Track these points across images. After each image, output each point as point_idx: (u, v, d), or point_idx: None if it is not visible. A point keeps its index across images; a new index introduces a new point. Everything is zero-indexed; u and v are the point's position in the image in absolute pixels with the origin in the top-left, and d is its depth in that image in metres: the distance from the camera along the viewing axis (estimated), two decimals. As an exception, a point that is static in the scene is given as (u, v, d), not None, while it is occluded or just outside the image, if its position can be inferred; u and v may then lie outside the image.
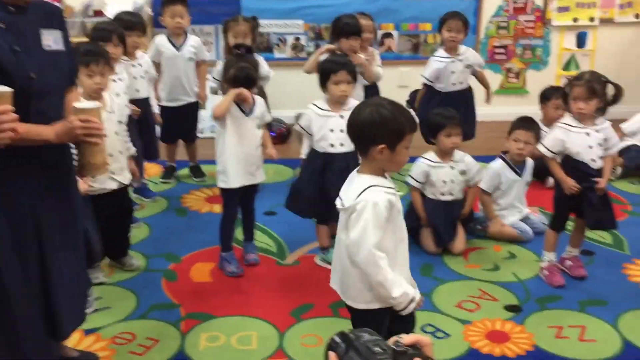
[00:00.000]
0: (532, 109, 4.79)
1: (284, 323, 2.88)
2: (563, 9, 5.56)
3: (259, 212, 3.58)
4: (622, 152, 4.55)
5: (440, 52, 4.31)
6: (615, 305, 3.01)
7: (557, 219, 3.23)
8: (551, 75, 5.59)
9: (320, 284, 3.19)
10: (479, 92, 4.52)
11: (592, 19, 5.58)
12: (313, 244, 3.51)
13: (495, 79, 5.74)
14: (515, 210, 3.74)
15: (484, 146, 4.90)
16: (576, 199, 3.07)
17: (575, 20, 5.58)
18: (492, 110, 5.16)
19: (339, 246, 2.16)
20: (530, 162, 3.76)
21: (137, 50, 3.95)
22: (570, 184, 3.04)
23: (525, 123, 3.66)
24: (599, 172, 3.07)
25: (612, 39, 5.65)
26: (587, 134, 3.04)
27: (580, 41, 5.66)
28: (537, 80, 5.50)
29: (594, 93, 2.97)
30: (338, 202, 2.13)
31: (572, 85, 3.05)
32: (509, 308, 3.01)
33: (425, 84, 4.37)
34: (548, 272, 3.23)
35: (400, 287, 2.06)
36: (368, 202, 2.01)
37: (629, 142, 4.59)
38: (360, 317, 2.18)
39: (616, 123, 4.64)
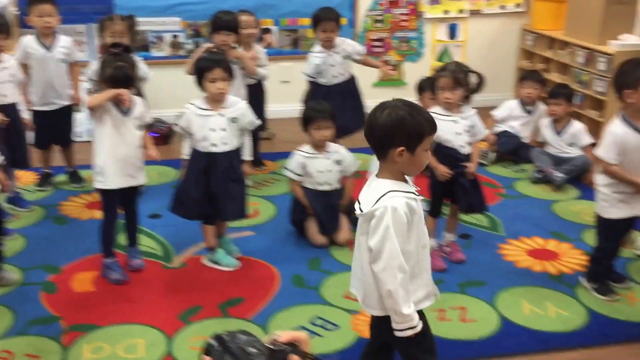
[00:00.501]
0: (410, 99, 4.95)
1: (171, 327, 2.83)
2: (434, 2, 5.78)
3: (142, 215, 3.49)
4: (496, 138, 4.80)
5: (317, 47, 4.36)
6: (492, 285, 3.18)
7: (434, 205, 3.36)
8: (426, 66, 5.79)
9: (209, 285, 3.17)
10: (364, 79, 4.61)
11: (461, 11, 5.84)
12: (200, 244, 3.46)
13: (374, 72, 5.88)
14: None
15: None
16: (449, 184, 3.22)
17: (446, 12, 5.82)
18: (372, 102, 5.30)
19: (359, 251, 2.08)
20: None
21: (2, 53, 3.72)
22: (443, 170, 3.17)
23: None
24: (467, 158, 3.23)
25: (481, 29, 5.94)
26: (455, 121, 3.19)
27: (452, 32, 5.92)
28: (414, 72, 5.69)
29: (458, 83, 3.12)
30: (356, 207, 2.04)
31: (438, 76, 3.19)
32: (395, 294, 3.10)
33: (309, 80, 4.42)
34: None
35: (410, 307, 1.97)
36: (387, 207, 1.93)
37: (500, 128, 4.84)
38: (382, 324, 2.08)
39: (488, 110, 4.94)
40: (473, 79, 3.22)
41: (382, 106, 2.00)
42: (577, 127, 4.51)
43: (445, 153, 3.20)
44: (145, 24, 5.26)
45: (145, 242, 3.52)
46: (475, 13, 5.87)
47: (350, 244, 3.56)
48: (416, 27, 5.84)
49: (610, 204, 2.94)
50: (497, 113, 4.88)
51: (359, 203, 2.03)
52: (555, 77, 5.47)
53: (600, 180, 2.98)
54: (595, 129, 4.67)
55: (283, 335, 1.20)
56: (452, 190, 3.26)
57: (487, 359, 2.68)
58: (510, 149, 4.73)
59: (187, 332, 2.80)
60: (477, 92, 3.24)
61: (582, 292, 3.12)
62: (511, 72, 6.05)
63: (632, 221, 3.00)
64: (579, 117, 4.99)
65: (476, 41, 5.96)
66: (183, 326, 2.84)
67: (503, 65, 6.04)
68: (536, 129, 4.75)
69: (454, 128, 3.19)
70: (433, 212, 3.36)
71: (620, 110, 2.90)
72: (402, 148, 1.93)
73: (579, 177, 4.36)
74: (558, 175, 4.26)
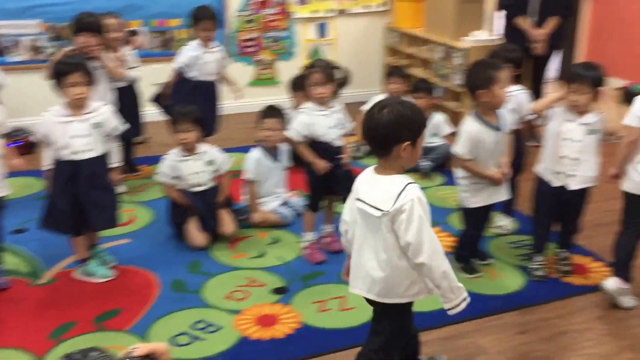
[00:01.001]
0: (283, 98, 5.03)
1: (42, 348, 2.69)
2: (303, 2, 5.88)
3: (6, 231, 3.29)
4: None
5: (194, 42, 4.36)
6: (368, 273, 3.29)
7: (313, 200, 3.44)
8: (299, 64, 5.86)
9: (82, 299, 3.05)
10: (240, 78, 4.63)
11: (329, 11, 5.99)
12: (70, 258, 3.33)
13: (248, 72, 5.91)
14: (275, 195, 3.91)
15: (242, 137, 5.04)
16: (326, 177, 3.31)
17: (314, 12, 5.94)
18: (248, 101, 5.32)
19: (369, 249, 2.13)
20: (284, 148, 3.94)
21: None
22: (322, 164, 3.26)
23: (271, 111, 3.85)
24: (340, 150, 3.33)
25: (348, 28, 6.12)
26: (327, 115, 3.29)
27: (322, 31, 6.05)
28: (287, 70, 5.76)
29: (329, 78, 3.22)
30: (366, 208, 2.08)
31: (310, 72, 3.27)
32: (277, 291, 3.15)
33: (176, 72, 4.39)
34: (309, 250, 3.43)
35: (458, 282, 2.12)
36: (414, 200, 2.00)
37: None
38: (398, 310, 2.20)
39: (359, 105, 5.09)
40: (340, 75, 3.34)
41: (380, 105, 2.07)
42: (438, 118, 4.77)
43: (321, 147, 3.30)
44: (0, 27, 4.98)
45: (9, 260, 3.32)
46: (342, 12, 6.04)
47: (232, 244, 3.57)
48: (286, 26, 5.92)
49: (470, 194, 3.15)
50: (367, 108, 5.02)
51: (369, 204, 2.07)
52: (418, 72, 5.74)
53: (459, 173, 3.18)
54: (456, 118, 4.95)
55: (140, 347, 1.19)
56: (330, 183, 3.35)
57: (367, 344, 2.78)
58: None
59: (59, 351, 2.67)
60: (344, 86, 3.36)
61: (451, 273, 3.30)
62: (378, 69, 6.28)
63: (492, 206, 3.23)
64: (441, 108, 5.27)
65: (345, 39, 6.13)
66: (54, 345, 2.72)
67: (371, 62, 6.26)
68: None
69: (327, 122, 3.29)
70: (313, 206, 3.45)
71: (473, 108, 3.11)
72: (407, 143, 2.03)
73: (443, 164, 4.61)
74: (424, 164, 4.48)
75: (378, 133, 2.05)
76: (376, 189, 2.08)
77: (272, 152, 3.86)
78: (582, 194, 3.16)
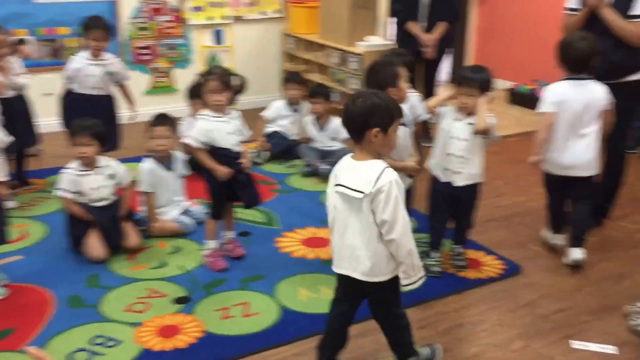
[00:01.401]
0: (182, 105, 4.98)
1: None
2: (198, 9, 5.84)
3: None
4: (268, 138, 5.00)
5: (82, 53, 4.24)
6: (271, 277, 3.32)
7: (215, 207, 3.42)
8: (196, 72, 5.81)
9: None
10: (135, 87, 4.53)
11: (225, 17, 5.98)
12: (-42, 278, 3.15)
13: (144, 80, 5.79)
14: (175, 204, 3.86)
15: (139, 147, 4.93)
16: (227, 184, 3.30)
17: (210, 18, 5.91)
18: (146, 110, 5.21)
19: (353, 230, 2.30)
20: (180, 156, 3.90)
21: None
22: (223, 170, 3.25)
23: (160, 119, 3.81)
24: (239, 155, 3.34)
25: (245, 35, 6.13)
26: (225, 122, 3.29)
27: (218, 38, 6.03)
28: (185, 78, 5.70)
29: (226, 85, 3.22)
30: (348, 192, 2.26)
31: (206, 79, 3.26)
32: (179, 300, 3.11)
33: (64, 84, 4.27)
34: (211, 258, 3.41)
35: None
36: (392, 182, 2.22)
37: (271, 128, 5.05)
38: (384, 288, 2.39)
39: (259, 111, 5.13)
40: (236, 81, 3.34)
41: (355, 96, 2.31)
42: (336, 122, 4.86)
43: (221, 153, 3.29)
44: None
45: None
46: (238, 19, 6.04)
47: (132, 255, 3.49)
48: (182, 34, 5.86)
49: None
50: (266, 114, 5.08)
51: (350, 187, 2.26)
52: (316, 77, 5.84)
53: None
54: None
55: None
56: (231, 190, 3.35)
57: (271, 348, 2.80)
58: (282, 147, 4.95)
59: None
60: (241, 93, 3.38)
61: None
62: (277, 75, 6.33)
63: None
64: (339, 112, 5.37)
65: (242, 46, 6.13)
66: (-59, 370, 2.58)
67: (269, 68, 6.30)
68: (302, 126, 5.03)
69: (226, 128, 3.29)
70: (214, 214, 3.43)
71: None
72: (377, 129, 2.22)
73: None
74: (324, 167, 4.56)
75: (352, 119, 2.27)
76: (356, 173, 2.28)
77: (164, 161, 3.81)
78: (470, 190, 3.32)
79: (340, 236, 2.37)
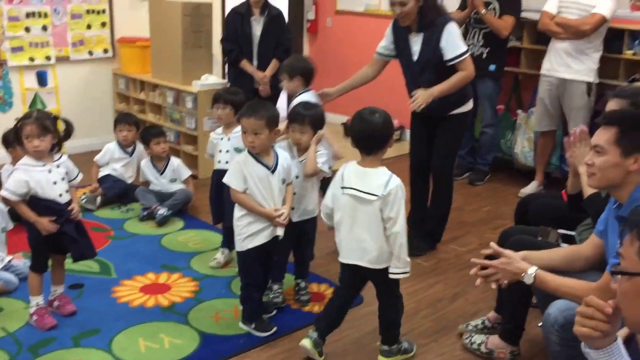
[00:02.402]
0: (1, 152, 4.61)
1: None
2: (17, 49, 5.47)
3: None
4: (101, 182, 4.75)
5: None
6: (107, 330, 3.10)
7: (38, 261, 3.15)
8: (18, 115, 5.42)
9: None
10: None
11: (48, 58, 5.64)
12: None
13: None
14: (-2, 260, 3.53)
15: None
16: (53, 235, 3.06)
17: (32, 59, 5.55)
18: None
19: (361, 226, 2.71)
20: (1, 207, 3.59)
21: None
22: (46, 223, 3.00)
23: None
24: (68, 205, 3.10)
25: (72, 75, 5.82)
26: (49, 170, 3.06)
27: (42, 80, 5.67)
28: (5, 123, 5.29)
29: (46, 129, 3.00)
30: (360, 194, 2.68)
31: (23, 124, 3.02)
32: (0, 366, 2.82)
33: None
34: (37, 316, 3.13)
35: None
36: (398, 186, 2.66)
37: (104, 172, 4.81)
38: (387, 273, 2.76)
39: (92, 155, 4.86)
40: (59, 125, 3.13)
41: (370, 112, 2.70)
42: (175, 162, 4.75)
43: (44, 205, 3.03)
44: None
45: None
46: (64, 59, 5.73)
47: None
48: (1, 75, 5.45)
49: (242, 236, 3.03)
50: (99, 157, 4.83)
51: (363, 191, 2.67)
52: (151, 117, 5.68)
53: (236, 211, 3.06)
54: (192, 162, 4.98)
55: None
56: (58, 242, 3.10)
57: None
58: (116, 191, 4.73)
59: None
60: (67, 139, 3.15)
61: (193, 317, 3.26)
62: (110, 116, 6.05)
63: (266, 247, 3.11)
64: (177, 152, 5.26)
65: (69, 87, 5.82)
66: None
67: (101, 110, 6.03)
68: (139, 169, 4.86)
69: (49, 177, 3.04)
70: (38, 267, 3.14)
71: None
72: (392, 139, 2.72)
73: (182, 209, 4.59)
74: (162, 212, 4.40)
75: (376, 133, 2.67)
76: (366, 178, 2.69)
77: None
78: (308, 224, 3.35)
79: (348, 231, 2.75)
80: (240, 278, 3.16)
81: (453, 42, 3.67)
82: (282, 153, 3.09)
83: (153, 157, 4.71)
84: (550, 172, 5.37)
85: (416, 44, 3.77)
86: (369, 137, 2.68)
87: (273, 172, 2.98)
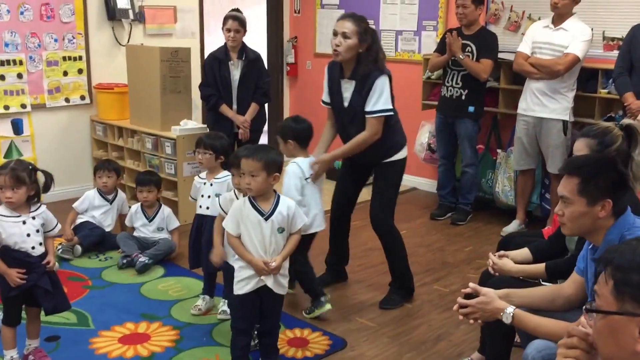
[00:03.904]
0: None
1: None
2: (-9, 98, 5.43)
3: None
4: (77, 230, 4.66)
5: None
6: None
7: (9, 314, 3.06)
8: (-6, 164, 5.38)
9: None
10: None
11: (23, 106, 5.58)
12: None
13: None
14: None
15: None
16: (26, 289, 2.98)
17: (6, 108, 5.50)
18: None
19: None
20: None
21: None
22: (14, 276, 2.93)
23: None
24: (42, 257, 3.03)
25: (49, 123, 5.76)
26: (24, 222, 2.99)
27: (17, 128, 5.60)
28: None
29: (20, 181, 2.93)
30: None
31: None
32: None
33: None
34: (11, 371, 3.03)
35: None
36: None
37: (82, 219, 4.73)
38: None
39: (71, 202, 4.79)
40: (35, 176, 3.06)
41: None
42: (166, 211, 4.67)
43: (15, 256, 2.96)
44: None
45: None
46: (40, 107, 5.68)
47: None
48: (-24, 124, 5.39)
49: (236, 280, 2.99)
50: (77, 204, 4.76)
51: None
52: (129, 163, 5.63)
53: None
54: (173, 207, 4.91)
55: None
56: (30, 295, 3.02)
57: None
58: (93, 240, 4.64)
59: None
60: (47, 190, 3.10)
61: (174, 368, 3.17)
62: (88, 163, 6.00)
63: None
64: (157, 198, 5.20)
65: (46, 135, 5.76)
66: None
67: (79, 157, 5.97)
68: (120, 216, 4.79)
69: (23, 229, 2.98)
70: (10, 320, 3.05)
71: None
72: None
73: (163, 258, 4.51)
74: (142, 260, 4.31)
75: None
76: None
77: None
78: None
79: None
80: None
81: (376, 97, 3.59)
82: (287, 202, 2.99)
83: (143, 203, 4.66)
84: (531, 211, 5.39)
85: (347, 90, 3.70)
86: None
87: (267, 219, 2.92)
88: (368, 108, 3.62)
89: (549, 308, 2.42)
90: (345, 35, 3.58)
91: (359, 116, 3.67)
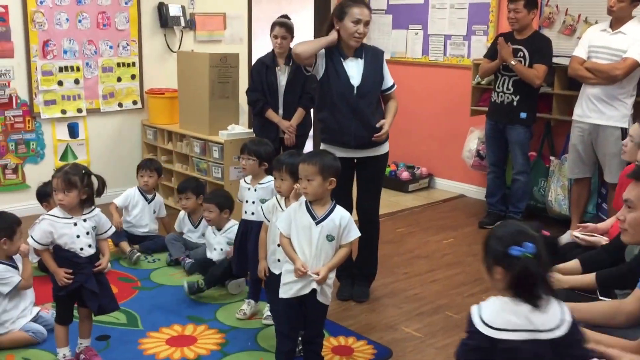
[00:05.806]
0: (34, 204, 4.66)
1: None
2: (50, 102, 5.58)
3: None
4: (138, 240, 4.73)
5: None
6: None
7: (61, 312, 3.13)
8: (49, 167, 5.51)
9: None
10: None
11: (80, 110, 5.74)
12: None
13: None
14: (27, 311, 3.50)
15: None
16: (74, 289, 3.04)
17: (64, 112, 5.66)
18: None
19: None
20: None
21: None
22: (61, 275, 3.00)
23: None
24: (92, 259, 3.08)
25: (103, 127, 5.91)
26: (75, 224, 3.05)
27: (73, 131, 5.76)
28: (37, 174, 5.39)
29: (71, 185, 2.99)
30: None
31: (53, 177, 3.05)
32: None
33: None
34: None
35: None
36: None
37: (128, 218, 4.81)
38: None
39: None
40: (89, 180, 3.11)
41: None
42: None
43: (64, 256, 3.03)
44: None
45: None
46: (94, 111, 5.83)
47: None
48: (33, 128, 5.55)
49: (282, 283, 2.98)
50: (117, 200, 4.82)
51: None
52: (178, 167, 5.71)
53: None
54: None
55: None
56: (78, 295, 3.08)
57: None
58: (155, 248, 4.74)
59: None
60: (101, 194, 3.15)
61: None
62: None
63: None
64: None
65: (99, 138, 5.90)
66: None
67: (130, 160, 6.07)
68: (158, 219, 4.91)
69: (73, 231, 3.04)
70: (62, 319, 3.13)
71: None
72: None
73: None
74: (188, 262, 4.36)
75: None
76: None
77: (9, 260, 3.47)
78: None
79: None
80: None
81: (388, 72, 3.90)
82: (342, 212, 2.95)
83: (183, 209, 4.71)
84: (587, 221, 5.22)
85: (352, 68, 3.79)
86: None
87: (318, 223, 2.89)
88: (390, 83, 3.91)
89: (609, 324, 2.32)
90: (367, 24, 3.75)
91: (372, 91, 3.82)
